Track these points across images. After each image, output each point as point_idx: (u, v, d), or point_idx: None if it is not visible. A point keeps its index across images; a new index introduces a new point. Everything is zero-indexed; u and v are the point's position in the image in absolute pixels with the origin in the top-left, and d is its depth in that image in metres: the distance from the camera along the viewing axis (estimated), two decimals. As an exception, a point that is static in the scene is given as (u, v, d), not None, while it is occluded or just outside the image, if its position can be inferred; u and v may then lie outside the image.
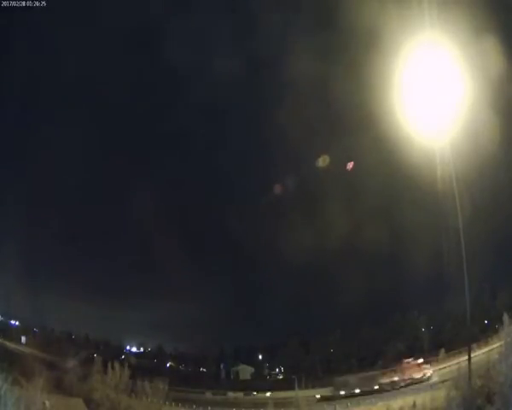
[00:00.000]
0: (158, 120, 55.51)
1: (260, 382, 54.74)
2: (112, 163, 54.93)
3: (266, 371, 60.00)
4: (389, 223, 47.65)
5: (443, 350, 45.77)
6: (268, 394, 48.93)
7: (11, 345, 44.44)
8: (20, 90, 49.10)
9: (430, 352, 48.55)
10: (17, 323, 52.95)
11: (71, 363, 41.67)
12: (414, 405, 33.28)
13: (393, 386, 42.41)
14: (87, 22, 48.07)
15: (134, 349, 60.97)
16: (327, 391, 45.73)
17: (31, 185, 51.83)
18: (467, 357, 27.21)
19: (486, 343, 36.02)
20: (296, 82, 44.11)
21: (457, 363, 31.39)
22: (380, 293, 50.39)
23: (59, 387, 35.32)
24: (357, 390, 44.02)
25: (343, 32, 40.26)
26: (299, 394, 43.14)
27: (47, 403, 29.09)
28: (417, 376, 42.01)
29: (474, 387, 25.96)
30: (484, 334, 39.44)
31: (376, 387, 43.57)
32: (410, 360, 44.95)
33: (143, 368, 50.85)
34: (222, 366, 58.25)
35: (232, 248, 55.99)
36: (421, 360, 44.22)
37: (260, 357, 60.85)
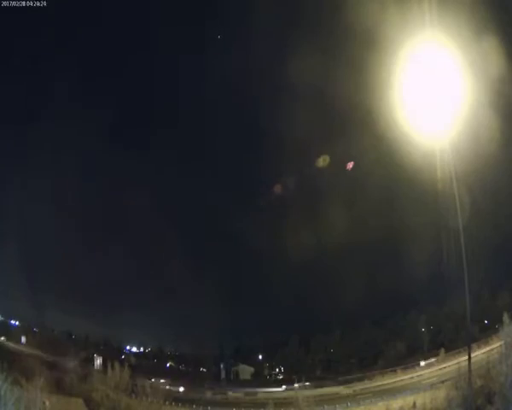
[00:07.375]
0: (158, 117, 55.64)
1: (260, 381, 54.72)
2: (113, 165, 55.03)
3: (266, 371, 59.99)
4: (389, 223, 47.75)
5: (443, 350, 45.80)
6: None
7: (11, 345, 44.37)
8: (21, 90, 49.21)
9: (430, 352, 48.59)
10: (17, 323, 52.96)
11: (71, 363, 41.62)
12: (414, 405, 33.21)
13: None
14: (87, 22, 48.22)
15: (134, 349, 60.99)
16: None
17: (31, 187, 51.94)
18: (467, 357, 27.11)
19: (486, 343, 35.96)
20: (296, 81, 44.15)
21: (457, 363, 31.31)
22: (380, 293, 50.45)
23: (59, 387, 35.20)
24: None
25: (343, 32, 40.28)
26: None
27: (47, 403, 29.03)
28: None
29: (474, 387, 25.91)
30: (484, 334, 39.39)
31: None
32: None
33: (143, 368, 50.88)
34: (222, 366, 58.20)
35: (232, 248, 56.08)
36: None
37: (260, 357, 60.83)
